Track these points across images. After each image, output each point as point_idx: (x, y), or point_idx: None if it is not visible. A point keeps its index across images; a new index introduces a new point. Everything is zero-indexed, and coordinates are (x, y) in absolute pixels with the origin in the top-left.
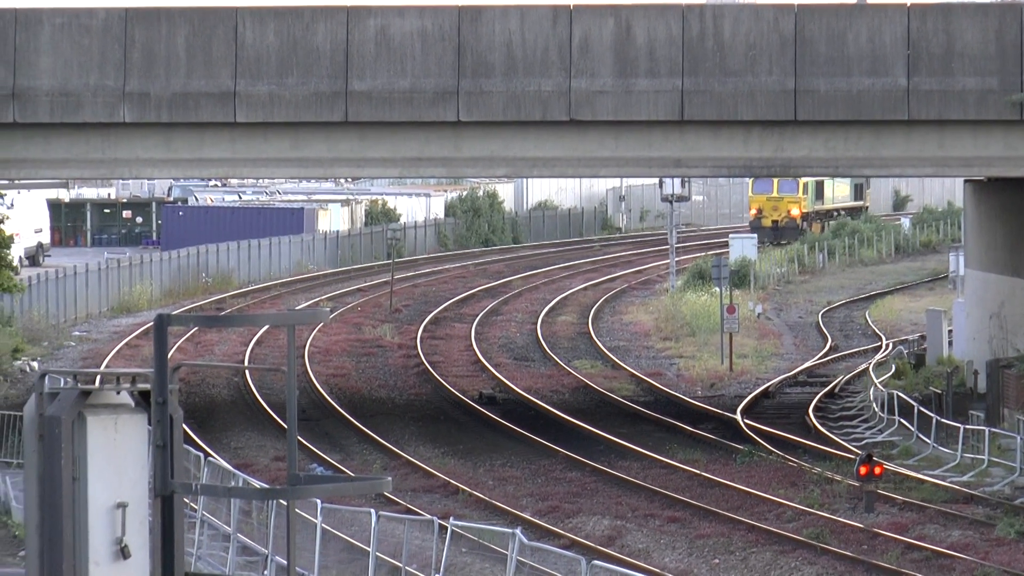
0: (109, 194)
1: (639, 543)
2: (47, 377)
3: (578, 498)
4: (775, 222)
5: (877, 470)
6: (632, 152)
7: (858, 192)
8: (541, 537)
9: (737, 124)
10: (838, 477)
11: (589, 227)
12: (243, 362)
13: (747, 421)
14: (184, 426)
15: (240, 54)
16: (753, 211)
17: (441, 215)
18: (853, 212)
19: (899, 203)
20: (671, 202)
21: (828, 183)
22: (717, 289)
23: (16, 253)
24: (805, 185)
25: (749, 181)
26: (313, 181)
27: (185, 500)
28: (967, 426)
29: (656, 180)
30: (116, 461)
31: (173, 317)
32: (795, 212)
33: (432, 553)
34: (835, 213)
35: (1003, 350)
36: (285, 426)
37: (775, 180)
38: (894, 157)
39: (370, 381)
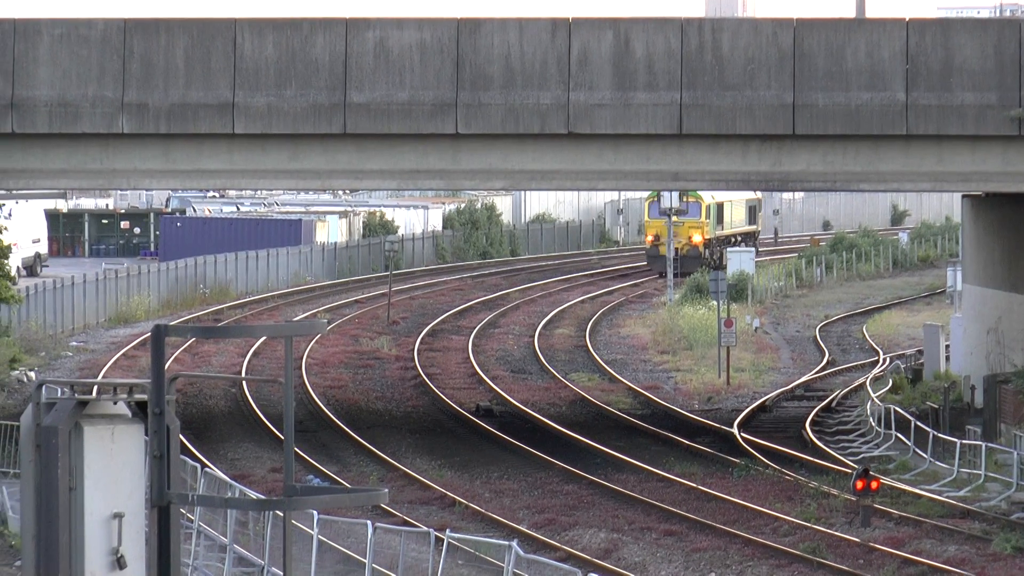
0: (107, 205)
1: (635, 556)
2: (44, 387)
3: (575, 511)
4: (675, 250)
5: (874, 484)
6: (630, 165)
7: (752, 215)
8: (537, 550)
9: (735, 138)
10: (835, 491)
11: (587, 240)
12: (240, 373)
13: (744, 435)
14: (181, 437)
15: (239, 65)
16: (649, 238)
17: (439, 227)
18: (747, 238)
19: (897, 218)
20: (669, 215)
21: (727, 206)
22: (715, 303)
23: (14, 263)
24: (708, 208)
25: (645, 204)
26: (311, 193)
27: (181, 510)
28: (964, 441)
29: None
30: (113, 471)
31: (170, 328)
32: (697, 239)
33: (428, 565)
34: (733, 239)
35: (1000, 365)
36: (282, 437)
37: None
38: (892, 172)
39: (367, 393)
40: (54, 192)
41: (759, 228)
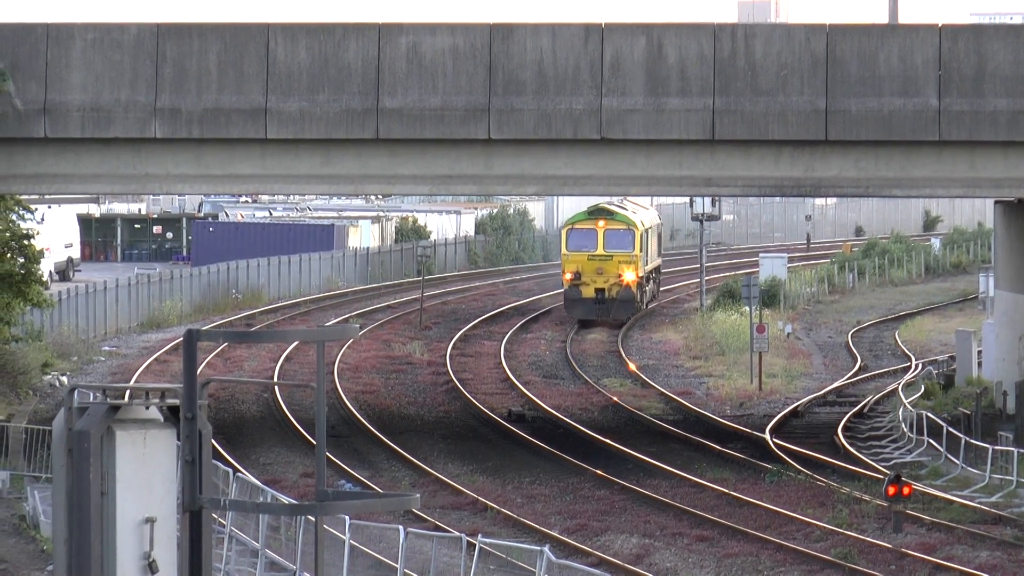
0: (140, 209)
1: (667, 561)
2: (76, 392)
3: (606, 516)
4: (600, 292)
5: (905, 490)
6: (663, 171)
7: (660, 245)
8: (569, 555)
9: (768, 144)
10: (867, 497)
11: None
12: (272, 378)
13: (776, 440)
14: (213, 441)
15: (271, 70)
16: (568, 275)
17: (471, 232)
18: (656, 274)
19: (929, 224)
20: (701, 221)
21: (651, 235)
22: (747, 308)
23: (46, 268)
24: (641, 237)
25: (563, 233)
26: (343, 198)
27: (213, 515)
28: (996, 447)
29: (687, 199)
30: (145, 476)
31: (203, 332)
32: (629, 277)
33: (460, 570)
34: (650, 277)
35: None
36: (314, 442)
37: (600, 232)
38: (925, 177)
39: (399, 398)
40: (87, 197)
41: (661, 262)
